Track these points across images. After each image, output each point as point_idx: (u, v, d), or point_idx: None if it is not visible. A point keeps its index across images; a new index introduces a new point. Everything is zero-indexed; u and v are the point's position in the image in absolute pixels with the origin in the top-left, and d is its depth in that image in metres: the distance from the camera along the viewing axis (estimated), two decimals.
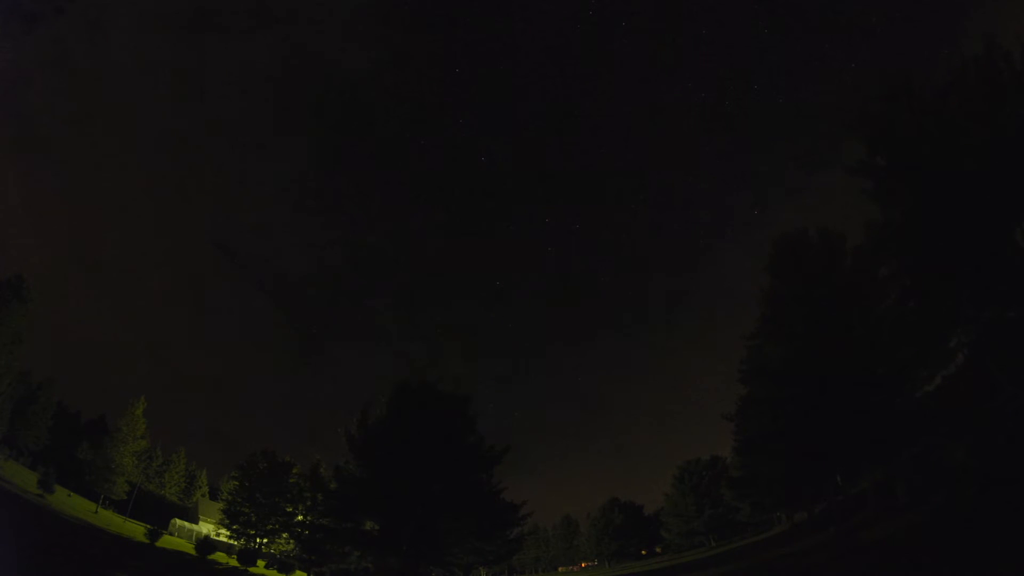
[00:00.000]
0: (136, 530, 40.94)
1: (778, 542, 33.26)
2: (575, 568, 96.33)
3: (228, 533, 49.91)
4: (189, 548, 42.02)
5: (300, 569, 47.38)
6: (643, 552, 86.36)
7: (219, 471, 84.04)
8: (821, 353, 23.04)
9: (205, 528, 59.73)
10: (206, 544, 38.89)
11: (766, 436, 27.02)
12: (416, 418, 29.69)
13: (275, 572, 43.63)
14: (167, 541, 43.18)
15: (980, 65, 18.05)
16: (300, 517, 48.00)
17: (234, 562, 40.73)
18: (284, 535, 49.23)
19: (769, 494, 31.87)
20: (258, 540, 49.15)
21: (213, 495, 76.35)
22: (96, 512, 45.86)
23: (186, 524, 58.93)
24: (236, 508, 49.18)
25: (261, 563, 46.00)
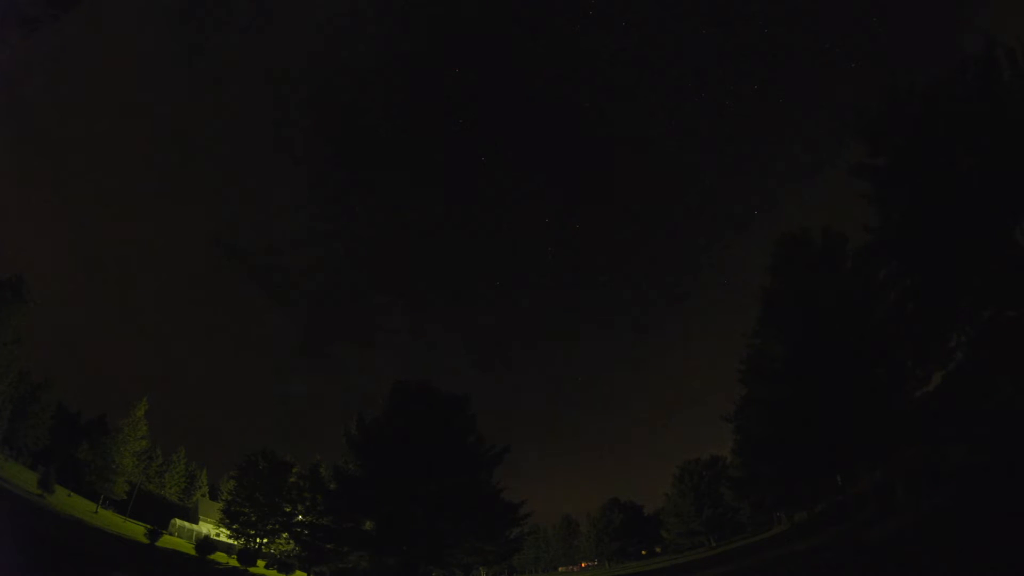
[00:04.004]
0: (136, 530, 40.90)
1: (778, 542, 33.20)
2: (575, 568, 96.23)
3: (228, 533, 49.86)
4: (189, 548, 42.02)
5: (300, 569, 47.35)
6: (643, 552, 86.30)
7: (219, 471, 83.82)
8: (821, 353, 23.01)
9: (205, 528, 59.70)
10: (206, 544, 38.90)
11: (766, 436, 27.00)
12: (415, 418, 29.71)
13: (275, 572, 43.62)
14: (167, 541, 43.16)
15: (980, 64, 18.05)
16: (300, 517, 47.96)
17: (234, 562, 40.71)
18: (284, 535, 49.16)
19: (769, 494, 31.86)
20: (258, 540, 49.08)
21: (213, 495, 76.27)
22: (96, 512, 45.82)
23: (186, 524, 58.88)
24: (236, 508, 49.12)
25: (261, 563, 45.98)
